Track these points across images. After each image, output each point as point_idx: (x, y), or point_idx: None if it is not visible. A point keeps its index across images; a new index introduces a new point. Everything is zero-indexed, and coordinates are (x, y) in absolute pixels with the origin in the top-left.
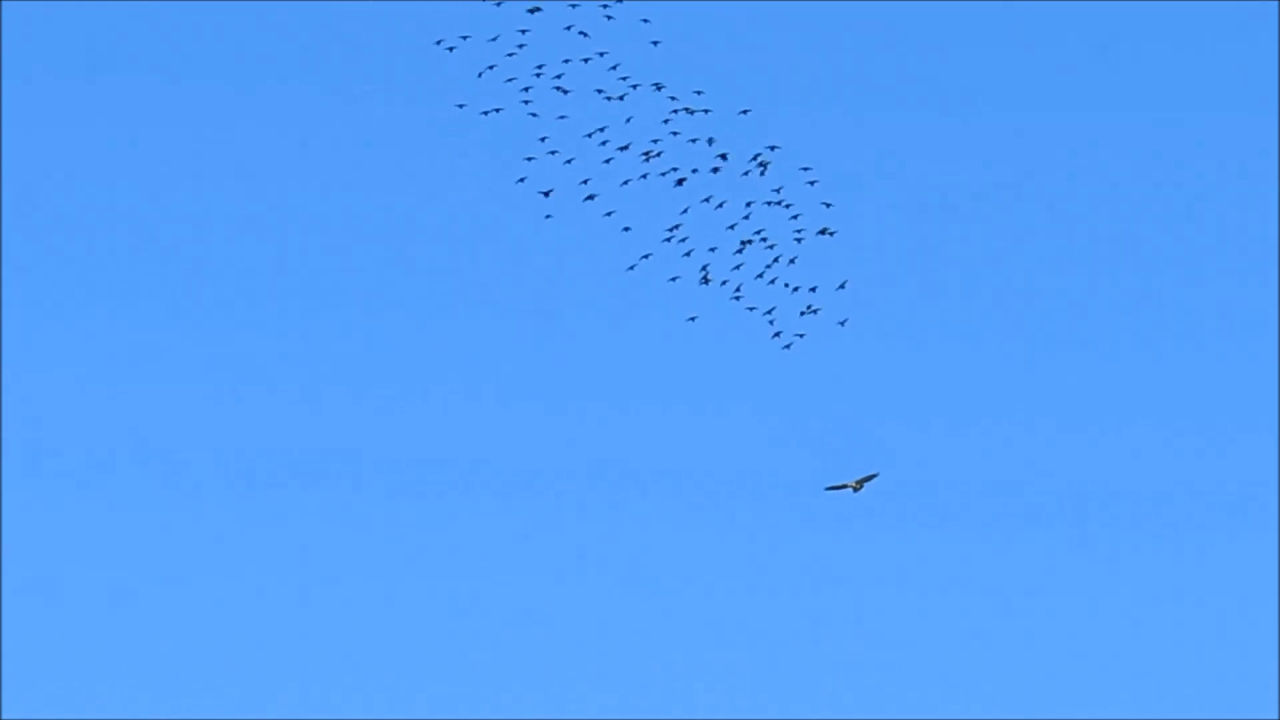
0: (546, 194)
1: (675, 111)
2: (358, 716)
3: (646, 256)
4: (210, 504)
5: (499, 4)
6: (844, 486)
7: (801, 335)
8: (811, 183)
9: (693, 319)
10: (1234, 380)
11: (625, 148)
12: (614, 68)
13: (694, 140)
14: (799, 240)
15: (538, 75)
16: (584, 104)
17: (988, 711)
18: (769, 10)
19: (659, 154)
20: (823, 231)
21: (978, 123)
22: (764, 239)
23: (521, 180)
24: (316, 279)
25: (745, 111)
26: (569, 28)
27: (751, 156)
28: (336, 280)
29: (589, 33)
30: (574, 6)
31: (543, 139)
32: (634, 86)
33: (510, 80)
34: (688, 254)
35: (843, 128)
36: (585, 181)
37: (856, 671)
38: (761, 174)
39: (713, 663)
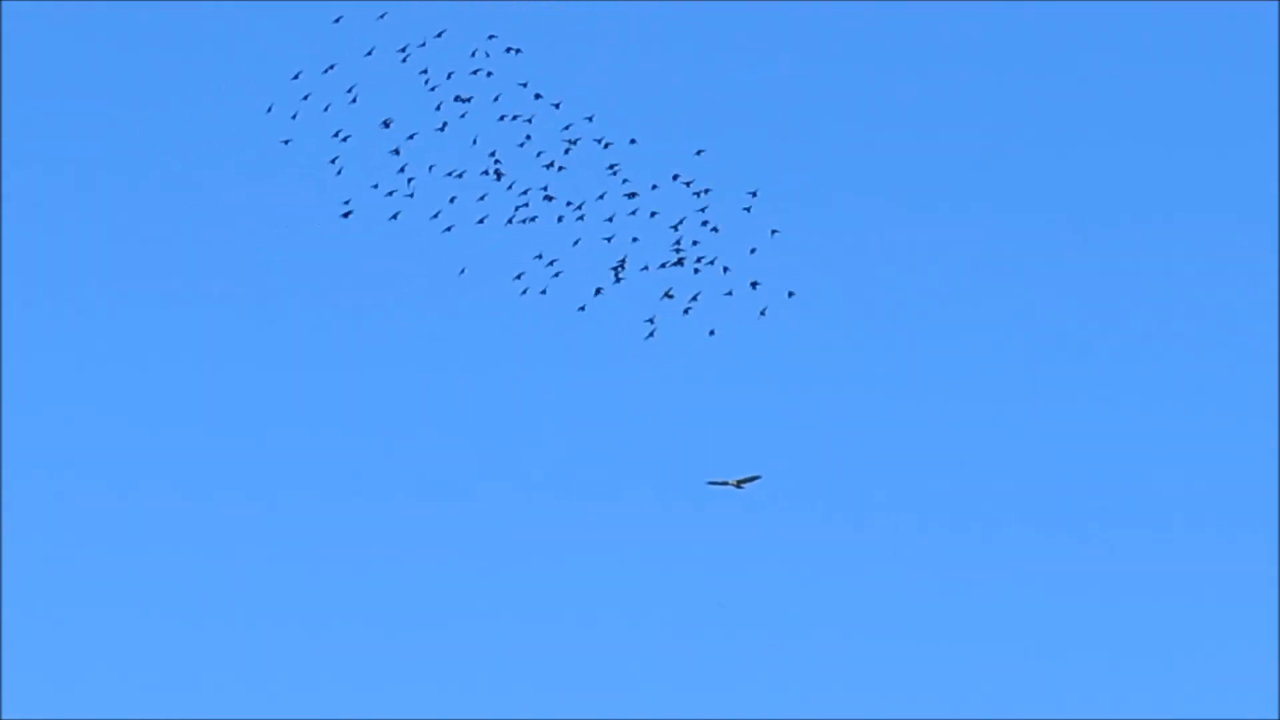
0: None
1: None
2: (356, 717)
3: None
4: (210, 502)
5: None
6: (725, 483)
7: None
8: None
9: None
10: (1235, 379)
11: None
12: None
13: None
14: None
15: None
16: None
17: (988, 712)
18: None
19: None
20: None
21: (968, 127)
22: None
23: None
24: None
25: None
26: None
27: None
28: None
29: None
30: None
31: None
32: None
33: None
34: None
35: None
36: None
37: (853, 671)
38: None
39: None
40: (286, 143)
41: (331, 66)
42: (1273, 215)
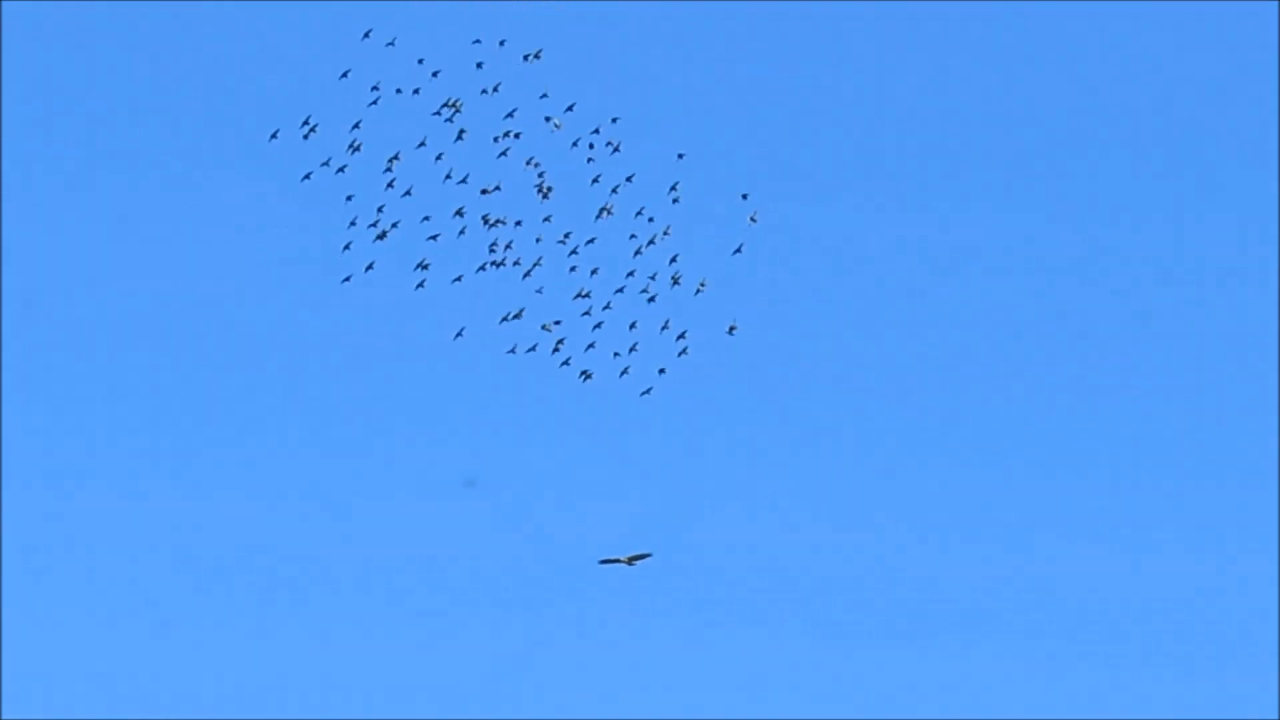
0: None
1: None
2: (356, 717)
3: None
4: (211, 502)
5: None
6: (617, 560)
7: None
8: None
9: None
10: (1235, 378)
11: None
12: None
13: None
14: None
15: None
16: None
17: (989, 712)
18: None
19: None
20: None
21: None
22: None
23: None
24: None
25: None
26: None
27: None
28: None
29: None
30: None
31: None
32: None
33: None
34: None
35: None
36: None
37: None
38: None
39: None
40: (307, 177)
41: (345, 73)
42: (1273, 215)
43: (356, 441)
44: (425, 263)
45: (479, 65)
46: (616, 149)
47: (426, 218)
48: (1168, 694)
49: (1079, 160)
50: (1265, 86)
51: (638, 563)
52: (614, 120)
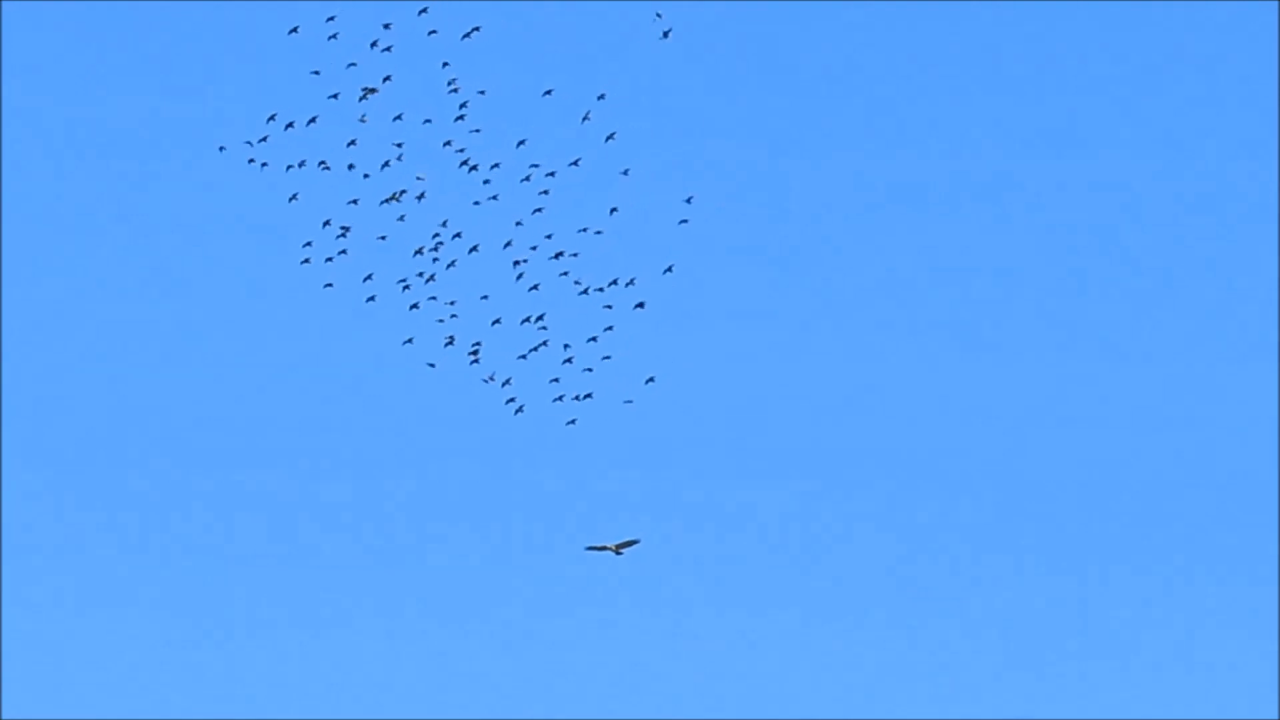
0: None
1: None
2: (356, 717)
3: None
4: (210, 501)
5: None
6: (605, 548)
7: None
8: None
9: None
10: (1235, 378)
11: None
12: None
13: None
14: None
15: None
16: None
17: (988, 712)
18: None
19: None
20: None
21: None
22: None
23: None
24: None
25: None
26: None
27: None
28: None
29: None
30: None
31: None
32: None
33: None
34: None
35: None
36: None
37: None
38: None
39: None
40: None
41: (294, 29)
42: (1273, 215)
43: (351, 442)
44: (408, 278)
45: (386, 26)
46: (575, 163)
47: (383, 237)
48: (1167, 693)
49: (1077, 159)
50: (1265, 86)
51: (624, 550)
52: (601, 97)
